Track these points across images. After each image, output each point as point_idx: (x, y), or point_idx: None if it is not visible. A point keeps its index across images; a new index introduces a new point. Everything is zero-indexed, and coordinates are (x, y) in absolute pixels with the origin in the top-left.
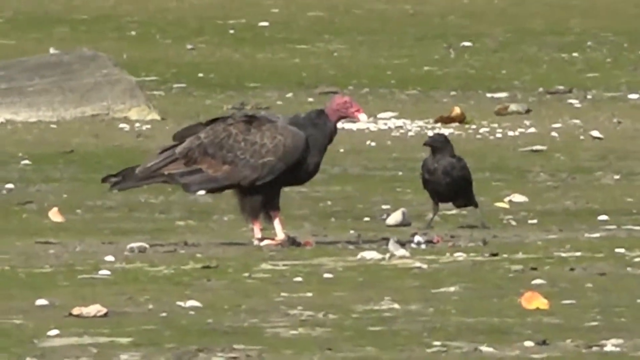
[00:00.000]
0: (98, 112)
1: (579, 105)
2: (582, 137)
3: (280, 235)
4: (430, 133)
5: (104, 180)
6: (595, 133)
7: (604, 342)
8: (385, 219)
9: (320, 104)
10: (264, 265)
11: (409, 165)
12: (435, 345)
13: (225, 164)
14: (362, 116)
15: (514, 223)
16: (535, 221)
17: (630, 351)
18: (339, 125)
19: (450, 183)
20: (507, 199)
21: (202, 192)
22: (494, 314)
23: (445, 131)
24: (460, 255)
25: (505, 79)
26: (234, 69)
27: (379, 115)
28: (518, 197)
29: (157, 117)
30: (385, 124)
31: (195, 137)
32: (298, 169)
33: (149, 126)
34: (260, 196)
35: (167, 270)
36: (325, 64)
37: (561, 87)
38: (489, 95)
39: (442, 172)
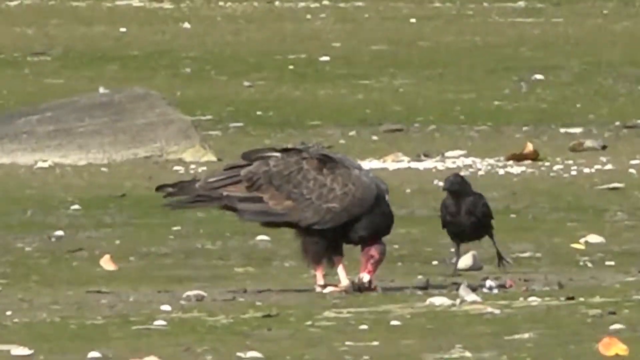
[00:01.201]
0: (151, 153)
1: None
2: None
3: (344, 281)
4: (501, 171)
5: (157, 189)
6: None
7: None
8: (455, 263)
9: (385, 142)
10: (328, 313)
11: None
12: None
13: (288, 200)
14: (365, 277)
15: (590, 265)
16: (612, 263)
17: None
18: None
19: (475, 222)
20: (583, 240)
21: (256, 223)
22: None
23: (518, 169)
24: (534, 300)
25: (580, 113)
26: (294, 107)
27: (447, 154)
28: (594, 238)
29: (213, 158)
30: (454, 162)
31: (264, 163)
32: (352, 226)
33: (204, 168)
34: (323, 240)
35: (226, 319)
36: (389, 100)
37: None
38: (563, 130)
39: (466, 212)
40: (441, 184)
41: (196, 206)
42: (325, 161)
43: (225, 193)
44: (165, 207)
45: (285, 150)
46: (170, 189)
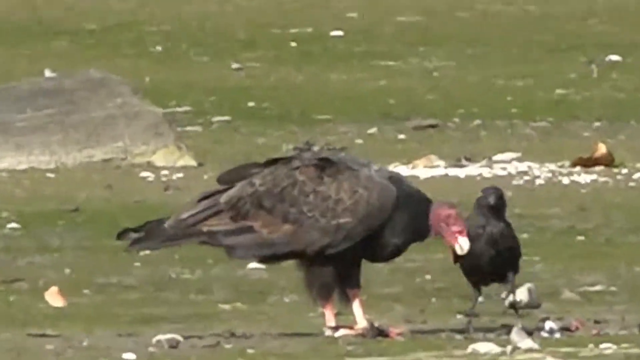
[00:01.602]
0: (111, 156)
1: None
2: None
3: (361, 322)
4: (565, 180)
5: (119, 236)
6: None
7: None
8: (505, 299)
9: (415, 142)
10: None
11: (538, 225)
12: None
13: (286, 223)
14: (463, 242)
15: None
16: None
17: None
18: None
19: (494, 257)
20: None
21: (252, 262)
22: None
23: (587, 177)
24: (608, 347)
25: None
26: (297, 96)
27: (495, 157)
28: None
29: (191, 162)
30: (504, 168)
31: (248, 183)
32: (378, 238)
33: (180, 175)
34: (334, 269)
35: None
36: (421, 87)
37: None
38: None
39: (487, 241)
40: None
41: (172, 245)
42: (324, 167)
43: (205, 229)
44: (132, 249)
45: (271, 163)
46: (134, 235)
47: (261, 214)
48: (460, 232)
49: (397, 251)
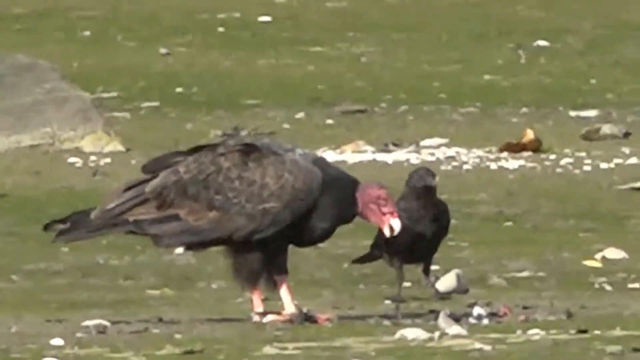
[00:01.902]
0: (39, 141)
1: None
2: None
3: (289, 307)
4: (493, 165)
5: (46, 227)
6: None
7: None
8: (433, 285)
9: (343, 128)
10: (268, 350)
11: (466, 210)
12: None
13: (211, 210)
14: (395, 224)
15: (608, 288)
16: (637, 285)
17: None
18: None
19: (436, 233)
20: (599, 256)
21: (179, 248)
22: None
23: (515, 163)
24: (536, 333)
25: (596, 91)
26: (225, 81)
27: (422, 143)
28: (614, 253)
29: (120, 147)
30: (432, 153)
31: (173, 172)
32: (305, 222)
33: (108, 160)
34: (261, 255)
35: (136, 357)
36: (349, 73)
37: None
38: (573, 113)
39: (434, 219)
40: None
41: (98, 236)
42: (248, 152)
43: (131, 218)
44: (58, 241)
45: (195, 150)
46: (60, 226)
47: (186, 202)
48: (391, 214)
49: (325, 235)
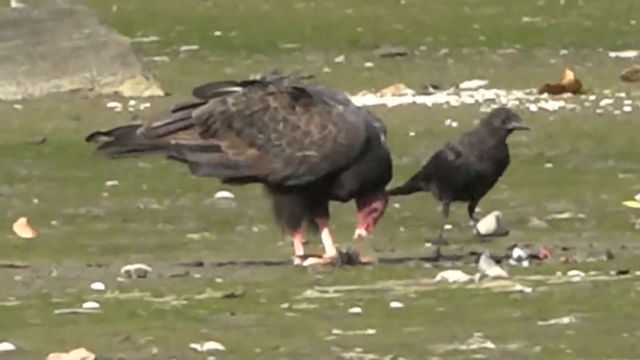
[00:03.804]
0: (79, 86)
1: None
2: None
3: (330, 251)
4: (532, 107)
5: (89, 138)
6: None
7: None
8: (473, 227)
9: (383, 71)
10: (309, 293)
11: None
12: None
13: (252, 147)
14: (362, 233)
15: None
16: None
17: None
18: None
19: (495, 174)
20: (639, 196)
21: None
22: (624, 353)
23: (555, 104)
24: (576, 274)
25: (635, 31)
26: (264, 25)
27: (462, 85)
28: None
29: (159, 92)
30: (472, 96)
31: (221, 101)
32: (337, 178)
33: (147, 104)
34: (302, 198)
35: (177, 301)
36: (388, 15)
37: None
38: (612, 54)
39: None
40: (455, 124)
41: (137, 156)
42: (298, 96)
43: (173, 141)
44: (97, 156)
45: (247, 84)
46: (104, 138)
47: (229, 134)
48: (367, 227)
49: (350, 196)
